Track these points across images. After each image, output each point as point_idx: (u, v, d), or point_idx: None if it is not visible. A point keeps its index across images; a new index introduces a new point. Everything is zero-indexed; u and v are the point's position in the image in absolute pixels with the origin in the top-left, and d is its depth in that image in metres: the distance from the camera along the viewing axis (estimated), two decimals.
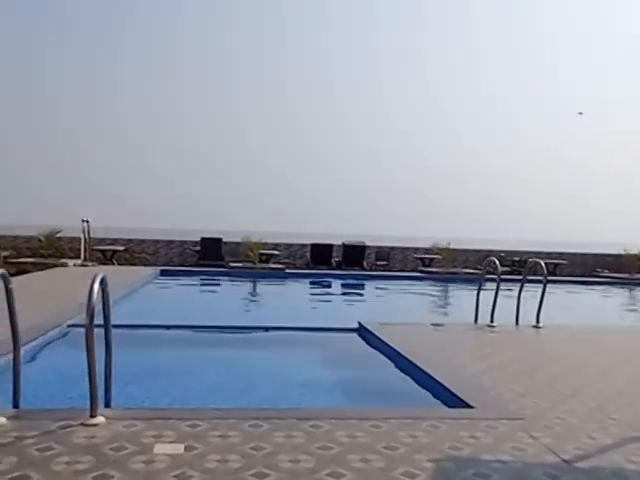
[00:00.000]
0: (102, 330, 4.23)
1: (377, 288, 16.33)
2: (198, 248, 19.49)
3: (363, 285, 16.94)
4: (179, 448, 3.39)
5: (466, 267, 19.43)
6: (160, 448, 3.38)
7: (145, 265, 18.43)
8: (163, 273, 16.09)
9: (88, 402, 3.80)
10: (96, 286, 3.76)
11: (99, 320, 4.21)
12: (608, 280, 18.52)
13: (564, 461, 3.50)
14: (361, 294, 16.04)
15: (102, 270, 4.34)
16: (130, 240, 20.32)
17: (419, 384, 5.59)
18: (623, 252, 20.73)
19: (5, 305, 3.98)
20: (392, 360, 6.53)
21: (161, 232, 31.35)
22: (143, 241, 20.52)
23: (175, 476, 3.03)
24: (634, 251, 20.69)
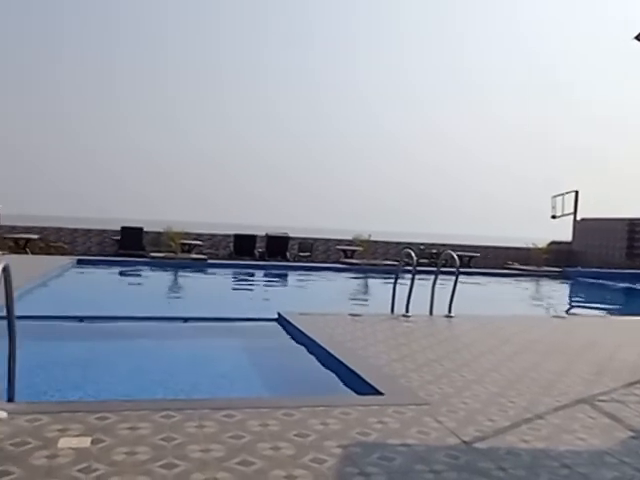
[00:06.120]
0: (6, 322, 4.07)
1: (300, 279, 16.46)
2: (118, 237, 18.93)
3: (286, 276, 17.02)
4: (85, 441, 3.33)
5: (386, 259, 19.89)
6: (65, 442, 3.30)
7: (62, 254, 17.70)
8: (80, 263, 15.53)
9: None
10: None
11: (5, 312, 4.06)
12: (516, 272, 19.55)
13: (464, 442, 3.70)
14: (283, 285, 16.12)
15: (14, 259, 4.16)
16: (45, 228, 19.44)
17: (335, 373, 5.71)
18: (531, 246, 21.91)
19: None
20: (309, 350, 6.63)
21: (81, 220, 30.16)
22: (60, 229, 19.66)
23: (79, 470, 2.97)
24: (541, 245, 21.92)
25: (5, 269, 3.71)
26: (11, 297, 4.00)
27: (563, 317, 10.44)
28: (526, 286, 17.65)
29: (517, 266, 20.59)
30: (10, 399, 4.02)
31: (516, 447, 3.69)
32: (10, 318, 4.04)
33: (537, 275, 19.15)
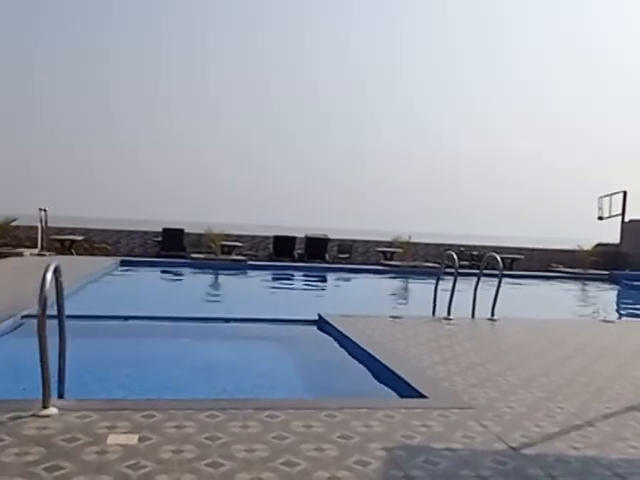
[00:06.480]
0: (57, 321, 4.18)
1: (339, 281, 16.44)
2: (160, 239, 19.26)
3: (325, 278, 17.02)
4: (133, 439, 3.39)
5: (427, 261, 19.68)
6: (113, 439, 3.36)
7: (105, 255, 18.12)
8: (123, 263, 15.86)
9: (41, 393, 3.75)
10: (49, 276, 3.70)
11: (54, 311, 4.17)
12: (562, 275, 19.06)
13: (511, 448, 3.62)
14: (323, 287, 16.13)
15: (60, 260, 4.27)
16: (90, 230, 19.94)
17: (376, 375, 5.68)
18: (577, 248, 21.34)
19: None
20: (350, 352, 6.61)
21: (123, 222, 30.84)
22: (104, 231, 20.15)
23: (128, 466, 3.03)
24: (587, 247, 21.33)
25: (56, 270, 3.81)
26: (62, 297, 4.11)
27: (612, 321, 10.14)
28: (572, 289, 17.21)
29: (562, 269, 20.09)
30: (60, 396, 4.12)
31: (566, 454, 3.59)
32: (60, 317, 4.15)
33: (583, 278, 18.63)
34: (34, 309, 6.55)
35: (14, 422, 3.54)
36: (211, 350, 7.14)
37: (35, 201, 17.87)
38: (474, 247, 20.97)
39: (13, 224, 18.36)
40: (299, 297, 13.72)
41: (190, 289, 14.15)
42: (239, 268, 16.75)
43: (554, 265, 20.85)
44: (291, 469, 3.12)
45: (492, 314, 8.63)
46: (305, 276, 16.85)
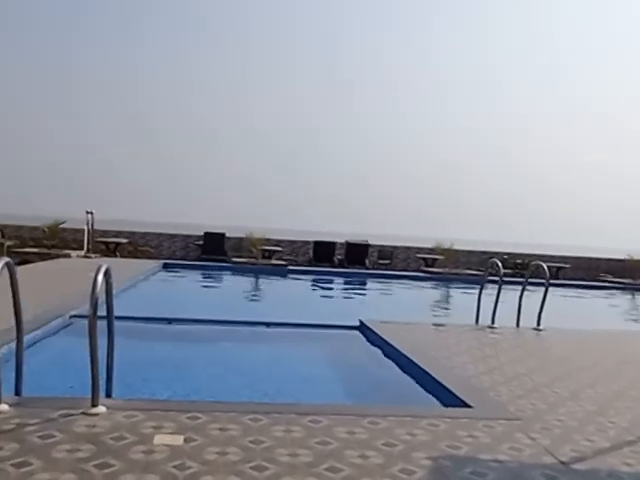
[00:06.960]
0: (104, 321, 4.25)
1: (379, 287, 16.34)
2: (201, 242, 19.52)
3: (365, 283, 16.95)
4: (178, 439, 3.42)
5: (468, 268, 19.40)
6: (160, 439, 3.40)
7: (148, 258, 18.46)
8: (166, 266, 16.12)
9: (90, 392, 3.83)
10: (100, 277, 3.78)
11: (102, 312, 4.25)
12: (611, 285, 18.49)
13: (561, 462, 3.52)
14: (363, 292, 16.05)
15: (105, 262, 4.36)
16: (133, 233, 20.38)
17: (419, 383, 5.60)
18: (627, 257, 20.69)
19: (9, 294, 4.01)
20: (392, 358, 6.54)
21: (165, 225, 31.41)
22: (147, 234, 20.57)
23: (174, 466, 3.05)
24: (637, 257, 20.65)
25: (107, 272, 3.89)
26: (111, 298, 4.19)
27: None
28: (621, 300, 16.68)
29: (611, 278, 19.50)
30: (108, 395, 4.20)
31: (618, 470, 3.47)
32: (110, 318, 4.23)
33: (633, 288, 18.04)
34: (82, 309, 6.73)
35: (65, 419, 3.62)
36: (252, 354, 7.18)
37: (81, 203, 18.39)
38: (518, 255, 20.58)
39: (61, 226, 18.90)
40: (339, 302, 13.70)
41: (231, 293, 14.28)
42: (279, 273, 16.82)
43: (602, 275, 20.28)
44: (335, 475, 3.10)
45: (538, 323, 8.44)
46: (345, 282, 16.81)
